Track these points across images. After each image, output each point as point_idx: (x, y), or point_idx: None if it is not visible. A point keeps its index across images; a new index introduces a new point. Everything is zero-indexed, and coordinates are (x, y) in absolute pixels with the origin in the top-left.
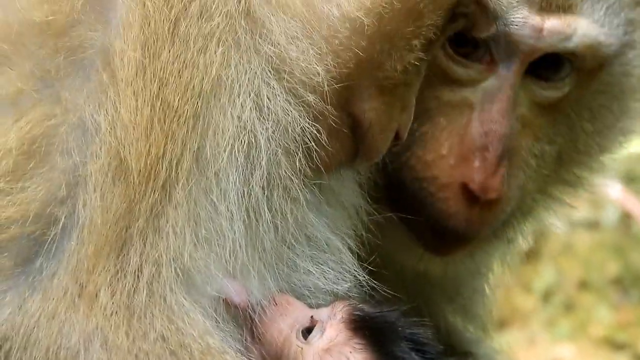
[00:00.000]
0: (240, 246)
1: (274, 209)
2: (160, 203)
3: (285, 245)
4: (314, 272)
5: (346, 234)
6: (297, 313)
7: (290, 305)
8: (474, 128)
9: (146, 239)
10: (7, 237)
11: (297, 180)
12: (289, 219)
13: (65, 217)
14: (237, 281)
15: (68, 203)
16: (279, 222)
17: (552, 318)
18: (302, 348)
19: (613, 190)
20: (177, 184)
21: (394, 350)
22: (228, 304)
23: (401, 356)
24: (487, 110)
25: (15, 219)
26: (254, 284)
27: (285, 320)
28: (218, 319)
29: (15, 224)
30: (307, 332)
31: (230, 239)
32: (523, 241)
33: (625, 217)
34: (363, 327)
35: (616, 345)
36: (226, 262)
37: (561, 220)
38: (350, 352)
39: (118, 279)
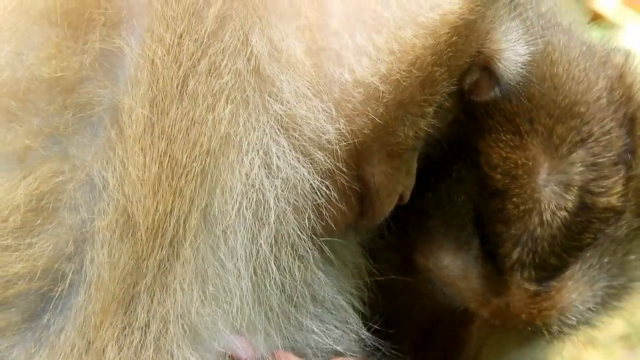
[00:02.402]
0: (247, 303)
1: (281, 267)
2: (168, 260)
3: (291, 303)
4: (318, 331)
5: (350, 293)
6: None
7: None
8: None
9: (153, 296)
10: (15, 292)
11: (305, 238)
12: (297, 277)
13: (72, 273)
14: (243, 337)
15: (75, 259)
16: (286, 280)
17: None
18: None
19: None
20: (185, 241)
21: None
22: None
23: None
24: None
25: (23, 274)
26: (260, 340)
27: None
28: None
29: (22, 280)
30: None
31: (237, 295)
32: None
33: None
34: None
35: None
36: (233, 318)
37: None
38: None
39: (125, 334)
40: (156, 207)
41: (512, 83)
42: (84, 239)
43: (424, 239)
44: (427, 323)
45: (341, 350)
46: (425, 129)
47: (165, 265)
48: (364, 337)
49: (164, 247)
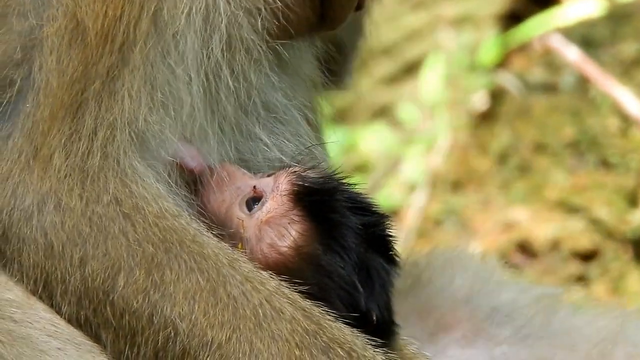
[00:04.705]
0: (198, 110)
1: (235, 72)
2: (117, 66)
3: (243, 110)
4: (269, 142)
5: (304, 105)
6: (240, 183)
7: (233, 175)
8: None
9: (101, 102)
10: None
11: (259, 42)
12: (252, 81)
13: (21, 79)
14: (192, 146)
15: (24, 66)
16: (239, 86)
17: (507, 180)
18: (242, 220)
19: (570, 53)
20: (135, 47)
21: (333, 217)
22: (182, 169)
23: (340, 221)
24: None
25: None
26: (210, 149)
27: (227, 190)
28: (171, 183)
29: None
30: (252, 202)
31: (187, 102)
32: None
33: (583, 81)
34: (303, 197)
35: (571, 209)
36: (182, 126)
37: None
38: (289, 224)
39: (72, 141)
40: (105, 11)
41: None
42: (32, 46)
43: None
44: None
45: (292, 162)
46: None
47: (114, 71)
48: (315, 151)
49: (113, 53)
